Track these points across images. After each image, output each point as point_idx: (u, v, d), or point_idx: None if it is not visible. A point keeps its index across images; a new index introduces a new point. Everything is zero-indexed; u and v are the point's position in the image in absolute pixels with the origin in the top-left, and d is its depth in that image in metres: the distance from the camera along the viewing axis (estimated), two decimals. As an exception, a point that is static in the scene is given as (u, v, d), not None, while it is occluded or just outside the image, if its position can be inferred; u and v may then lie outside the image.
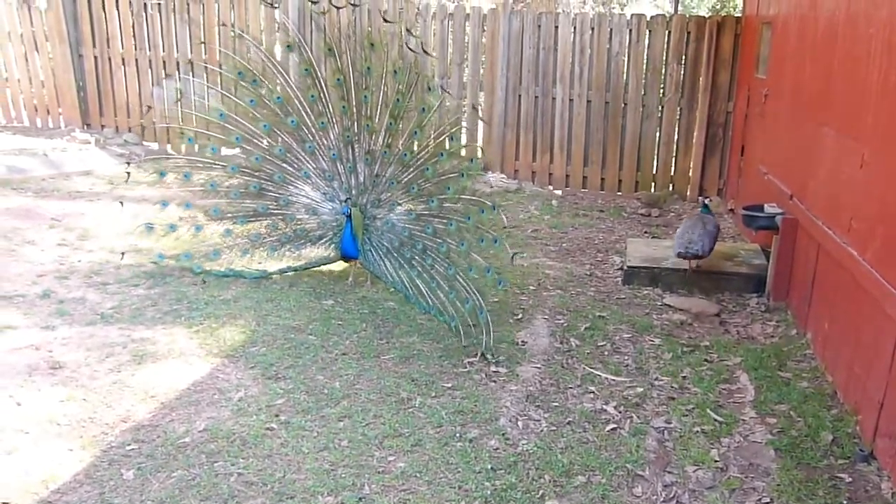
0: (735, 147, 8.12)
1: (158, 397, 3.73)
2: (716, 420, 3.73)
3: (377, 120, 5.39)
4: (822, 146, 4.70)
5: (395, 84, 5.38)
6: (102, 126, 10.13)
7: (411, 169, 5.41)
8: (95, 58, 9.91)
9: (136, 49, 9.79)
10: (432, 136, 5.50)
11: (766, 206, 5.54)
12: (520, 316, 4.95)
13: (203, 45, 9.31)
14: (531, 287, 5.52)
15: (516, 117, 8.95)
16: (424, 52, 7.72)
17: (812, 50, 5.25)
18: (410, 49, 5.98)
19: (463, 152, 6.02)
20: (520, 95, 8.84)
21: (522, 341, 4.57)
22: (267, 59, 5.56)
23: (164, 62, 9.74)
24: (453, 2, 14.10)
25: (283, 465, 3.20)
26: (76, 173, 8.54)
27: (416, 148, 5.49)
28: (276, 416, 3.58)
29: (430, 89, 5.73)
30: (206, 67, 8.74)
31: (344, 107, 5.39)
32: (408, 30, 8.17)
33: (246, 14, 9.40)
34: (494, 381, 4.05)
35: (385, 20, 8.39)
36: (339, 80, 5.37)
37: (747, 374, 4.25)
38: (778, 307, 5.23)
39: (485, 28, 8.92)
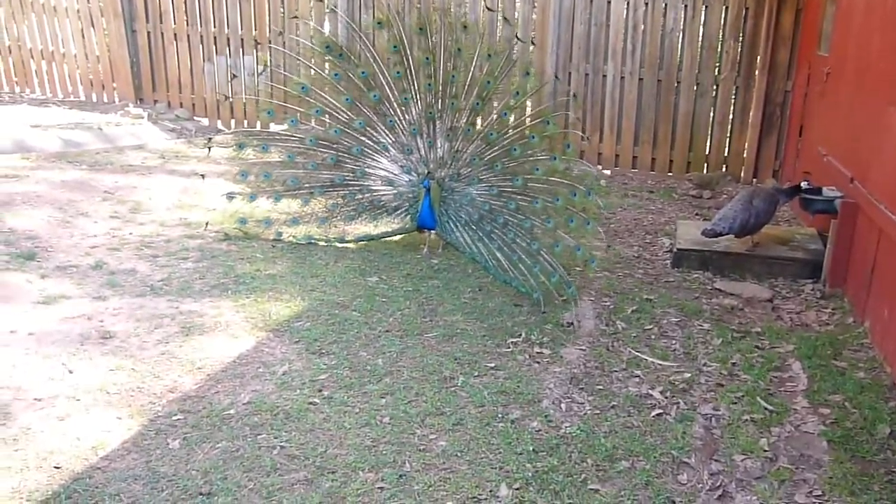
0: (793, 127, 7.84)
1: (205, 369, 3.78)
2: (766, 409, 3.62)
3: (463, 99, 5.49)
4: (890, 127, 4.49)
5: (486, 66, 5.49)
6: (155, 101, 10.29)
7: (496, 147, 5.49)
8: (148, 33, 10.04)
9: (187, 25, 9.89)
10: (524, 118, 5.58)
11: (824, 188, 5.33)
12: (565, 297, 4.88)
13: (296, 18, 9.30)
14: (577, 268, 5.43)
15: (566, 95, 8.79)
16: (518, 38, 7.87)
17: (881, 25, 5.00)
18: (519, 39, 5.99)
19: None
20: (570, 73, 8.67)
21: (568, 323, 4.50)
22: (356, 33, 5.75)
23: (214, 38, 9.82)
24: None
25: (325, 439, 3.21)
26: (129, 147, 8.70)
27: (504, 128, 5.57)
28: (319, 391, 3.60)
29: (528, 74, 5.84)
30: (283, 42, 8.77)
31: (429, 84, 5.49)
32: (504, 17, 8.23)
33: (296, -10, 9.39)
34: (538, 363, 4.00)
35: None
36: (427, 58, 5.47)
37: (800, 362, 4.11)
38: (834, 294, 5.05)
39: (535, 4, 8.75)
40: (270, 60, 6.70)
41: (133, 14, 10.00)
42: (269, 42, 9.55)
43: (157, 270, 5.07)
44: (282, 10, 9.61)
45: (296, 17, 8.16)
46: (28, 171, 7.27)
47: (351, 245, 5.73)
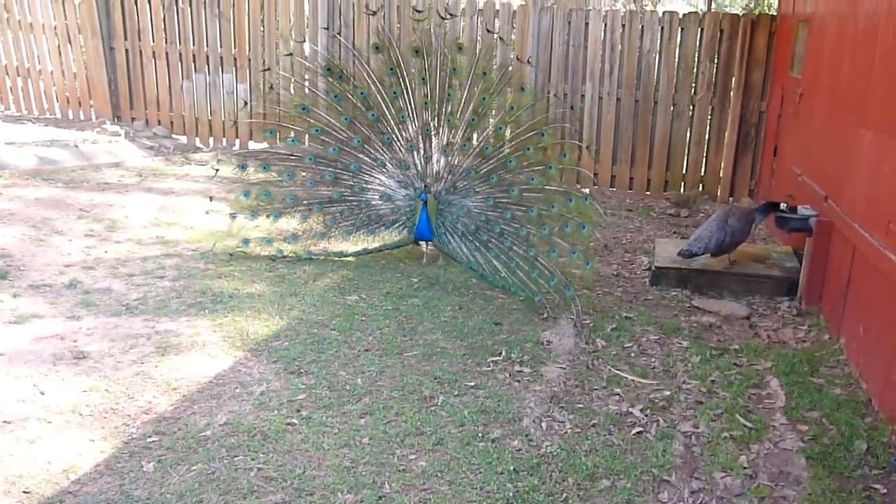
0: (768, 147, 7.96)
1: (180, 389, 3.72)
2: (745, 426, 3.64)
3: (459, 115, 5.63)
4: (861, 147, 4.57)
5: (482, 84, 5.63)
6: (133, 119, 10.22)
7: (492, 160, 5.61)
8: (127, 51, 9.99)
9: (166, 43, 9.85)
10: (520, 132, 5.66)
11: (799, 207, 5.40)
12: (545, 315, 4.88)
13: (290, 55, 9.29)
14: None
15: (543, 113, 8.84)
16: (518, 59, 8.07)
17: (851, 48, 5.10)
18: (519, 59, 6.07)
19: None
20: (548, 92, 8.74)
21: (547, 341, 4.50)
22: (356, 57, 5.89)
23: (193, 56, 9.79)
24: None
25: (304, 461, 3.17)
26: (106, 165, 8.62)
27: (500, 142, 5.68)
28: (298, 411, 3.56)
29: (522, 90, 6.04)
30: (291, 62, 8.79)
31: (426, 103, 5.61)
32: (500, 38, 8.47)
33: (276, 9, 9.40)
34: (518, 381, 3.99)
35: (443, 19, 8.43)
36: (423, 78, 5.60)
37: (778, 379, 4.14)
38: (810, 311, 5.10)
39: (514, 25, 8.84)
40: (264, 82, 6.77)
41: (111, 32, 9.95)
42: (270, 63, 9.56)
43: (133, 289, 5.00)
44: (262, 28, 9.62)
45: (290, 54, 8.43)
46: (1, 188, 7.16)
47: (350, 259, 5.78)
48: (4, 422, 3.35)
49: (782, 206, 5.48)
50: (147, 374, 3.86)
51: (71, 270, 5.27)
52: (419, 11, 8.52)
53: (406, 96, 5.64)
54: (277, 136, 6.17)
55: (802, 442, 3.51)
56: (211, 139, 10.06)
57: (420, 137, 5.68)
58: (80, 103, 10.46)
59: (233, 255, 5.71)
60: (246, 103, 9.44)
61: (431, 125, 5.65)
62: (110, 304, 4.72)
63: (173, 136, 10.13)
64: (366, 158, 5.72)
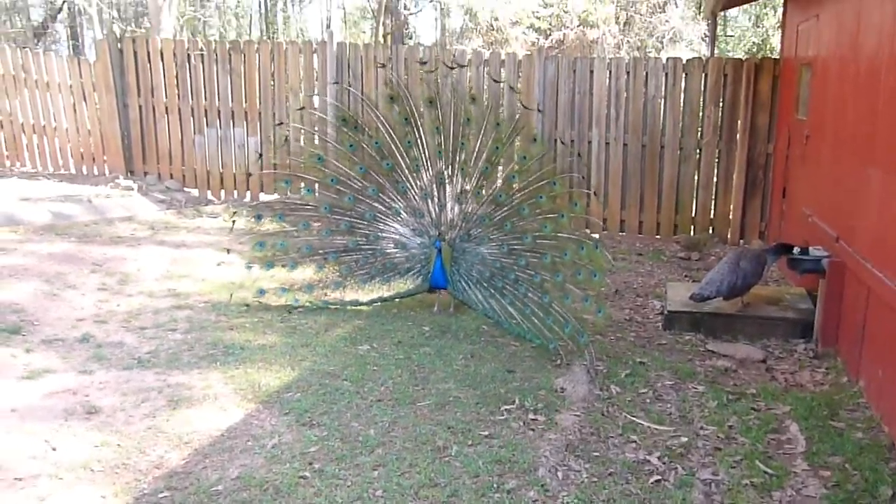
0: (776, 189, 7.98)
1: (192, 443, 3.69)
2: (766, 472, 3.56)
3: (472, 164, 5.71)
4: (869, 187, 4.57)
5: (495, 134, 5.75)
6: (145, 173, 10.37)
7: (505, 208, 5.67)
8: (140, 107, 10.18)
9: (179, 98, 10.05)
10: (531, 181, 5.72)
11: (811, 248, 5.38)
12: (558, 362, 4.84)
13: (302, 109, 9.50)
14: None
15: (551, 162, 8.92)
16: (525, 107, 8.18)
17: (855, 90, 5.15)
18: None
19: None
20: (556, 140, 8.83)
21: (561, 388, 4.45)
22: (369, 107, 6.04)
23: (205, 111, 9.98)
24: (488, 48, 14.31)
25: (316, 515, 3.12)
26: (119, 219, 8.72)
27: (513, 190, 5.75)
28: (310, 464, 3.52)
29: (535, 140, 6.32)
30: (301, 115, 9.01)
31: (440, 152, 5.71)
32: (511, 87, 8.61)
33: (286, 64, 9.61)
34: (533, 430, 3.93)
35: (451, 67, 8.59)
36: (437, 128, 5.71)
37: (797, 423, 4.07)
38: (827, 353, 5.04)
39: (520, 74, 8.98)
40: (275, 136, 6.93)
41: (125, 89, 10.16)
42: (282, 116, 9.73)
43: (145, 342, 5.01)
44: (272, 82, 9.81)
45: (303, 107, 8.71)
46: (16, 243, 7.25)
47: (364, 308, 5.79)
48: (15, 479, 3.33)
49: (795, 250, 5.45)
50: (159, 428, 3.83)
51: (83, 324, 5.29)
52: (424, 63, 8.69)
53: (420, 145, 5.74)
54: (289, 188, 6.26)
55: (826, 489, 3.43)
56: (222, 192, 10.17)
57: (434, 186, 5.76)
58: (93, 159, 10.64)
59: (249, 306, 5.73)
60: (261, 155, 9.58)
61: (445, 173, 5.73)
62: (122, 358, 4.72)
63: (185, 189, 10.26)
64: (381, 207, 5.79)
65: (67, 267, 6.60)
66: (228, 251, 6.40)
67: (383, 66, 9.07)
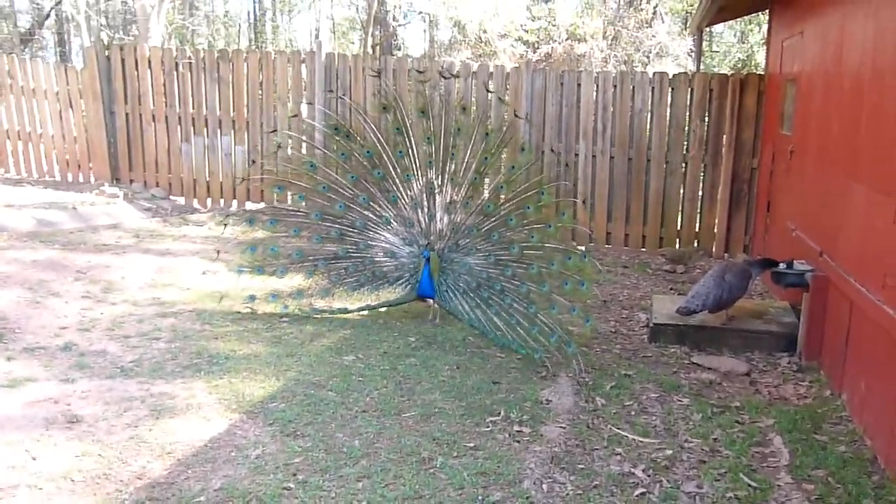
0: (761, 203, 8.05)
1: (175, 453, 3.66)
2: (750, 485, 3.57)
3: (462, 174, 5.75)
4: (852, 202, 4.62)
5: (484, 144, 5.79)
6: (131, 181, 10.31)
7: (493, 218, 5.70)
8: (127, 114, 10.14)
9: (166, 106, 10.02)
10: (519, 191, 5.78)
11: (795, 262, 5.43)
12: (543, 374, 4.84)
13: (296, 116, 9.48)
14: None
15: (539, 173, 8.95)
16: (516, 115, 8.35)
17: (838, 106, 5.21)
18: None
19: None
20: (542, 151, 8.86)
21: (546, 400, 4.45)
22: (364, 120, 6.02)
23: (192, 119, 9.95)
24: (476, 61, 14.37)
25: (300, 526, 3.09)
26: (103, 227, 8.66)
27: (501, 200, 5.80)
28: (294, 475, 3.49)
29: (522, 150, 6.37)
30: (290, 124, 9.08)
31: (430, 161, 5.74)
32: (500, 98, 8.73)
33: (274, 73, 9.61)
34: (518, 441, 3.93)
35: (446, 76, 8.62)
36: (428, 138, 5.74)
37: (781, 436, 4.09)
38: (810, 367, 5.07)
39: (508, 86, 9.02)
40: (262, 144, 6.87)
41: (112, 96, 10.12)
42: (271, 124, 9.71)
43: (129, 351, 4.96)
44: (260, 92, 9.80)
45: (296, 115, 8.71)
46: (-1, 251, 7.18)
47: (353, 316, 5.80)
48: (-6, 489, 3.28)
49: (781, 265, 5.48)
50: (141, 437, 3.79)
51: (66, 333, 5.24)
52: (421, 72, 8.69)
53: (411, 155, 5.77)
54: (277, 195, 6.33)
55: (809, 502, 3.44)
56: (209, 200, 10.13)
57: (424, 195, 5.78)
58: (79, 166, 10.57)
59: (240, 312, 5.72)
60: (254, 161, 9.55)
61: (435, 183, 5.75)
62: (105, 367, 4.68)
63: (171, 197, 10.21)
64: (371, 216, 5.81)
65: (51, 274, 6.54)
66: (218, 252, 6.37)
67: (377, 75, 9.06)
